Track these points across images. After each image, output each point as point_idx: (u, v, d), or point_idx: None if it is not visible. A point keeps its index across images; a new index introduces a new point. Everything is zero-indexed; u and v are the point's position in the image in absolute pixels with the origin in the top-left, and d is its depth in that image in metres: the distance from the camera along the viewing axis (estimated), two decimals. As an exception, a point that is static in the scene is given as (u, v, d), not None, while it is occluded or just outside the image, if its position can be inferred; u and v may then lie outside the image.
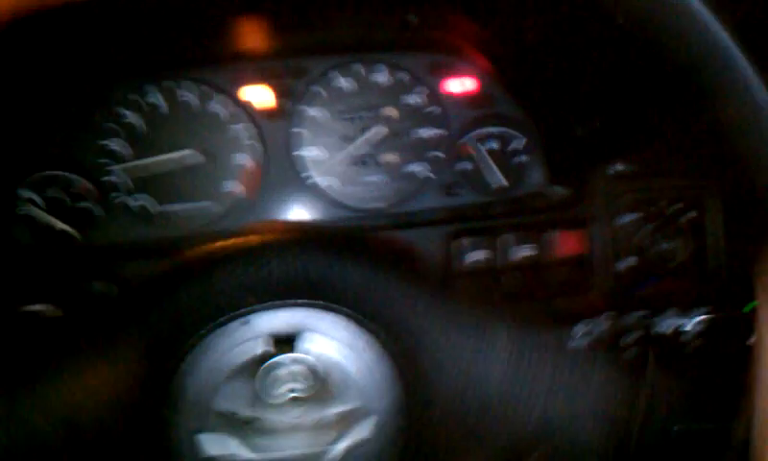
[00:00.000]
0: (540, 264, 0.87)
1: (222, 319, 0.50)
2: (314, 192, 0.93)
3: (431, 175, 0.94)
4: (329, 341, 0.51)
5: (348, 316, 0.51)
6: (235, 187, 0.92)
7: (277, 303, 0.51)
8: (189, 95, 0.91)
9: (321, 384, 0.51)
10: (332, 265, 0.52)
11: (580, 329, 0.81)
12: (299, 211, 0.93)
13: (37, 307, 0.82)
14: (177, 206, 0.91)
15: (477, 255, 0.87)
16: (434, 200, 0.94)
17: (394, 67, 0.93)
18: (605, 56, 0.84)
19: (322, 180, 0.93)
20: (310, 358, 0.51)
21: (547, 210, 0.89)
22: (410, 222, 0.90)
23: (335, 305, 0.51)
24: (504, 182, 0.94)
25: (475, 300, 0.87)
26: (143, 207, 0.91)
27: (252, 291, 0.50)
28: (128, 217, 0.91)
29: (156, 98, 0.90)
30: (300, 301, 0.51)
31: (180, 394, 0.49)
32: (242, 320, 0.50)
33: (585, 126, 0.87)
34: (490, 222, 0.89)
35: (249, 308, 0.50)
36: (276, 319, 0.51)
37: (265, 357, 0.50)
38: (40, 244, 0.90)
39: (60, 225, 0.90)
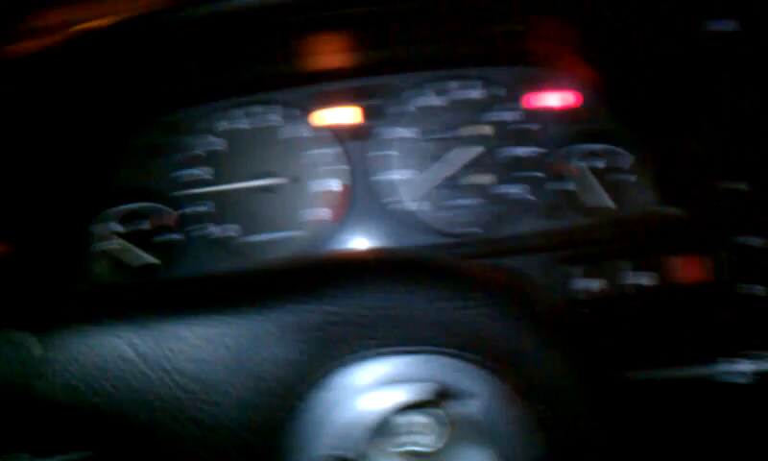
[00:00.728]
0: (658, 293, 0.78)
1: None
2: (402, 217, 0.87)
3: (528, 196, 0.87)
4: (466, 396, 0.45)
5: (485, 367, 0.45)
6: (319, 214, 0.87)
7: (414, 348, 0.45)
8: (271, 118, 0.87)
9: (445, 443, 0.45)
10: (458, 307, 0.46)
11: (725, 366, 0.72)
12: (386, 237, 0.87)
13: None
14: (260, 236, 0.87)
15: (588, 284, 0.79)
16: (532, 223, 0.86)
17: (484, 82, 0.87)
18: (719, 66, 0.76)
19: (410, 204, 0.88)
20: (443, 414, 0.45)
21: (661, 233, 0.81)
22: (509, 248, 0.83)
23: (473, 356, 0.45)
24: (610, 203, 0.86)
25: (590, 333, 0.80)
26: (226, 238, 0.87)
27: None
28: (211, 248, 0.87)
29: (238, 122, 0.87)
30: (436, 348, 0.45)
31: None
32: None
33: (700, 141, 0.79)
34: (597, 247, 0.81)
35: (384, 349, 0.45)
36: (410, 365, 0.45)
37: (399, 406, 0.45)
38: (121, 280, 0.87)
39: (142, 259, 0.87)
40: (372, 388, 0.46)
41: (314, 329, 0.45)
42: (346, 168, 0.87)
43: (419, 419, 0.47)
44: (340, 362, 0.45)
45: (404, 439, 0.46)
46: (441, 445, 0.46)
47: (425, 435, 0.46)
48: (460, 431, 0.46)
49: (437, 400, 0.46)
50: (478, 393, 0.46)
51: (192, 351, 0.45)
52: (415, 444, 0.46)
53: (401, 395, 0.46)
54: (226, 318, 0.46)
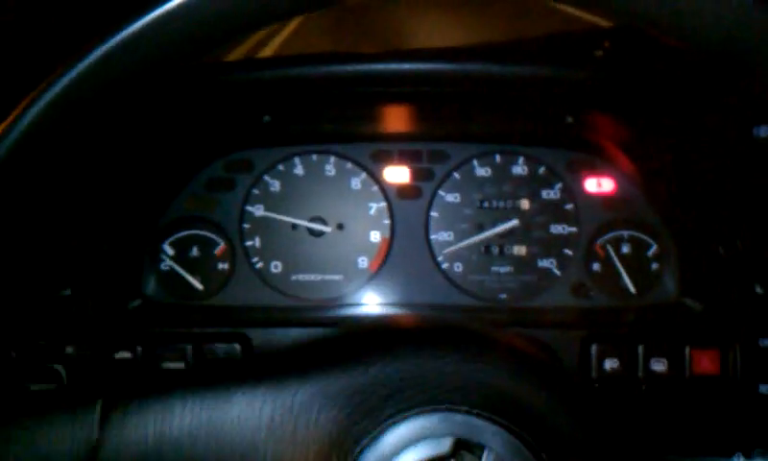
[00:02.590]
0: (673, 381, 0.85)
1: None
2: (442, 276, 0.93)
3: (560, 272, 0.93)
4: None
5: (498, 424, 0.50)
6: (366, 263, 0.93)
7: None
8: (332, 169, 0.92)
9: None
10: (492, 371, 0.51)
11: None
12: (426, 294, 0.93)
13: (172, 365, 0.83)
14: (307, 276, 0.92)
15: (610, 364, 0.85)
16: (561, 298, 0.93)
17: (533, 161, 0.94)
18: (753, 177, 0.83)
19: (450, 264, 0.93)
20: None
21: (680, 324, 0.88)
22: (539, 320, 0.89)
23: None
24: (633, 290, 0.92)
25: (611, 411, 0.86)
26: (275, 275, 0.92)
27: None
28: (259, 282, 0.92)
29: (301, 169, 0.92)
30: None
31: None
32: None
33: (727, 246, 0.86)
34: (622, 329, 0.88)
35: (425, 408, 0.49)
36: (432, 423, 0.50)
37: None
38: (169, 299, 0.91)
39: (196, 283, 0.92)
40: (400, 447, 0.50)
41: (354, 394, 0.50)
42: (395, 224, 0.93)
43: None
44: (377, 425, 0.50)
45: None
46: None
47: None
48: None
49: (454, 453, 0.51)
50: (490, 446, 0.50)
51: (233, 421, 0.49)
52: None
53: (425, 450, 0.51)
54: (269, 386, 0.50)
